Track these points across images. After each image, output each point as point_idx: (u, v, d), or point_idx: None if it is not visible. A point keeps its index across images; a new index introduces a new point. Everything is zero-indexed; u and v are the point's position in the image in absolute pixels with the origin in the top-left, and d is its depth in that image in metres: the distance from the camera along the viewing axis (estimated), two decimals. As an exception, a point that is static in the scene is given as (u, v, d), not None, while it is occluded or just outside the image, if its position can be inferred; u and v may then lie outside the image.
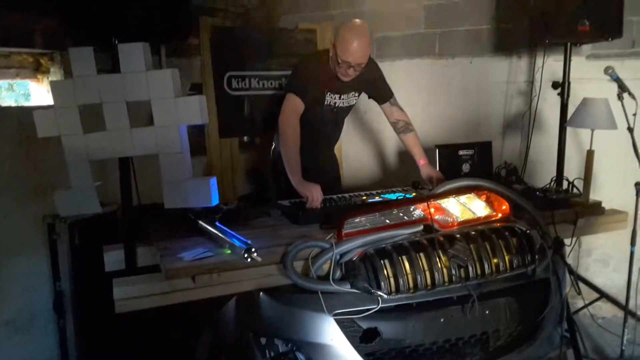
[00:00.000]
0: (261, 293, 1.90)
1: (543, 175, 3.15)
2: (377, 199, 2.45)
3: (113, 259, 2.20)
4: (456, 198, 2.11)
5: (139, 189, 2.47)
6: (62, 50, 2.86)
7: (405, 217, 1.99)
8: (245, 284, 1.89)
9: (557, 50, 3.14)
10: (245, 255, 1.77)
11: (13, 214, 2.66)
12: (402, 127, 2.75)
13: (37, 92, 3.04)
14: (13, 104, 3.28)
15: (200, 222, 2.08)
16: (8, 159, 2.60)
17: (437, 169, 2.66)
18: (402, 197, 2.45)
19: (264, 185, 3.63)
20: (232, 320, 2.01)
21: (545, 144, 3.36)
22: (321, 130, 2.72)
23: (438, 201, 2.06)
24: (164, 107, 1.89)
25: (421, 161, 2.71)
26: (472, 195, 2.14)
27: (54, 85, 1.93)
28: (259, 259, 1.78)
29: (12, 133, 2.60)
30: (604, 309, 3.31)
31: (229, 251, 1.88)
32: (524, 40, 3.40)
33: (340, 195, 2.54)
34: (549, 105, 3.34)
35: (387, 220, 1.95)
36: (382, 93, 2.73)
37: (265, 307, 1.90)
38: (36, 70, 2.96)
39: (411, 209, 2.02)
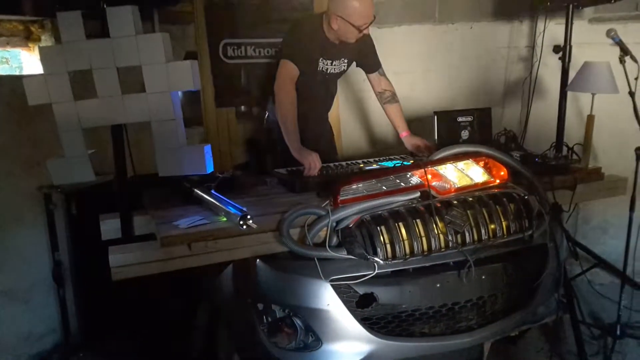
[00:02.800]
0: (257, 260, 1.91)
1: (543, 141, 3.10)
2: (374, 166, 2.43)
3: (109, 227, 2.19)
4: (454, 164, 2.08)
5: (134, 159, 2.45)
6: (52, 18, 2.80)
7: (402, 184, 1.97)
8: (241, 251, 1.88)
9: (559, 15, 3.07)
10: (241, 223, 1.76)
11: (8, 185, 2.64)
12: (388, 98, 2.76)
13: (30, 62, 2.99)
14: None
15: (196, 190, 2.06)
16: (1, 129, 2.57)
17: (436, 135, 2.63)
18: (399, 164, 2.43)
19: (261, 155, 3.62)
20: (229, 288, 2.02)
21: (545, 110, 3.31)
22: (314, 96, 2.69)
23: (435, 167, 2.04)
24: (155, 73, 1.85)
25: (404, 133, 2.73)
26: (469, 162, 2.11)
27: (42, 52, 1.89)
28: (255, 226, 1.76)
29: (4, 103, 2.56)
30: (602, 276, 3.32)
31: (224, 219, 1.87)
32: (526, 3, 3.33)
33: (337, 163, 2.53)
34: (549, 70, 3.28)
35: (384, 187, 1.94)
36: (371, 63, 2.74)
37: (262, 274, 1.90)
38: (27, 38, 2.90)
39: (408, 176, 1.99)
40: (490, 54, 3.59)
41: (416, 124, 2.83)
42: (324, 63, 2.60)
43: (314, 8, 3.72)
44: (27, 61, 2.99)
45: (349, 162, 2.55)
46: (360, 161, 2.56)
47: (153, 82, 1.86)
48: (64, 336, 2.90)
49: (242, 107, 3.97)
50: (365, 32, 2.45)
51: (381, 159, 2.59)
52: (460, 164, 2.10)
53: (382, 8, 3.75)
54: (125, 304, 2.72)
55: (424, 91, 3.69)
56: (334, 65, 2.65)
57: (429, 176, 2.01)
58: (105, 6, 1.83)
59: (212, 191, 2.07)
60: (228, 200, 1.95)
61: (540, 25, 3.21)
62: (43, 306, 2.85)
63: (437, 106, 3.11)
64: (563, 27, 2.91)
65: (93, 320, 2.97)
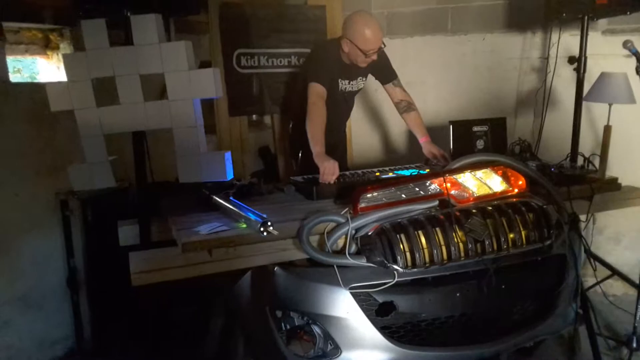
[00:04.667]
0: (276, 267, 1.91)
1: (556, 152, 3.10)
2: (390, 174, 2.43)
3: (127, 234, 2.20)
4: (472, 173, 2.09)
5: (152, 167, 2.47)
6: (72, 26, 2.83)
7: (421, 192, 1.97)
8: (260, 258, 1.89)
9: (572, 26, 3.09)
10: (262, 229, 1.76)
11: (25, 191, 2.65)
12: (405, 107, 2.85)
13: (46, 69, 3.02)
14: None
15: (215, 197, 2.07)
16: (19, 136, 2.59)
17: (451, 145, 2.63)
18: (415, 173, 2.43)
19: (274, 164, 3.65)
20: (247, 295, 2.02)
21: (558, 121, 3.31)
22: (334, 112, 2.79)
23: (454, 176, 2.04)
24: (177, 80, 1.87)
25: (423, 138, 2.80)
26: (488, 171, 2.12)
27: (66, 58, 1.91)
28: (276, 232, 1.77)
29: (23, 110, 2.58)
30: (615, 287, 3.30)
31: (244, 225, 1.87)
32: (539, 15, 3.34)
33: (353, 172, 2.54)
34: (562, 81, 3.29)
35: (403, 195, 1.94)
36: (386, 74, 2.85)
37: (281, 281, 1.90)
38: (46, 46, 2.93)
39: (427, 184, 2.00)
40: (503, 65, 3.60)
41: (429, 132, 2.84)
42: (342, 83, 2.76)
43: (326, 18, 3.76)
44: (44, 69, 3.02)
45: (364, 170, 2.56)
46: (376, 170, 2.57)
47: (176, 89, 1.88)
48: (77, 343, 2.90)
49: (254, 116, 4.00)
50: (373, 57, 2.58)
51: (397, 167, 2.60)
52: (479, 173, 2.10)
53: (395, 19, 3.78)
54: (139, 311, 2.72)
55: (437, 101, 3.70)
56: (351, 84, 2.81)
57: (448, 184, 2.01)
58: (129, 14, 1.85)
59: (231, 198, 2.08)
60: (247, 207, 1.95)
61: (554, 36, 3.21)
62: (57, 312, 2.85)
63: (450, 116, 3.11)
64: (576, 38, 2.92)
65: (106, 327, 2.96)
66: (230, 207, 1.97)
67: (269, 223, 1.77)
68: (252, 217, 1.84)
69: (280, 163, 3.57)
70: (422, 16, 3.76)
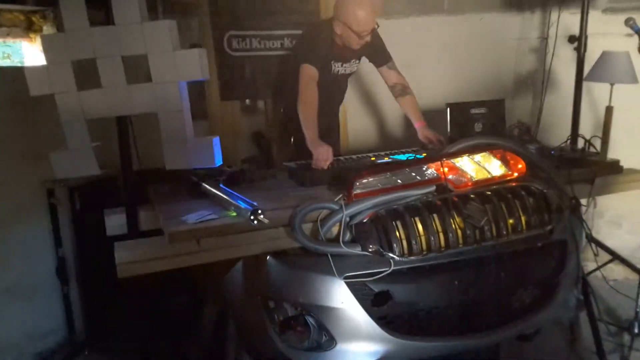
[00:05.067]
0: (268, 257, 1.84)
1: (556, 134, 3.04)
2: (386, 159, 2.36)
3: (115, 223, 2.12)
4: (470, 157, 2.01)
5: (140, 154, 2.39)
6: (54, 7, 2.72)
7: (417, 177, 1.90)
8: (252, 248, 1.82)
9: (572, 5, 3.00)
10: (252, 218, 1.69)
11: (10, 179, 2.57)
12: (400, 90, 2.74)
13: (31, 53, 2.92)
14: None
15: (204, 184, 2.00)
16: (2, 122, 2.50)
17: (448, 128, 2.56)
18: (412, 157, 2.36)
19: (267, 149, 3.57)
20: (239, 285, 1.96)
21: (558, 102, 3.24)
22: (327, 94, 2.69)
23: (452, 160, 1.97)
24: (162, 62, 1.78)
25: (418, 123, 2.69)
26: (487, 154, 2.04)
27: (45, 40, 1.82)
28: (266, 221, 1.69)
29: (5, 95, 2.49)
30: (616, 272, 3.25)
31: (234, 214, 1.80)
32: (537, -6, 3.26)
33: (347, 157, 2.47)
34: (562, 62, 3.21)
35: (399, 180, 1.87)
36: (380, 56, 2.73)
37: (273, 271, 1.84)
38: (28, 29, 2.83)
39: (424, 169, 1.93)
40: (501, 46, 3.51)
41: (425, 116, 2.76)
42: (335, 66, 2.65)
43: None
44: (28, 53, 2.92)
45: (359, 155, 2.49)
46: (371, 154, 2.50)
47: (160, 71, 1.79)
48: (69, 335, 2.84)
49: (247, 101, 3.90)
50: (366, 39, 2.48)
51: (393, 152, 2.52)
52: (477, 157, 2.03)
53: (389, -1, 3.68)
54: (131, 301, 2.66)
55: (433, 83, 3.60)
56: (345, 67, 2.70)
57: (446, 169, 1.94)
58: (109, -8, 1.76)
59: (221, 185, 2.00)
60: (238, 195, 1.88)
61: (553, 15, 3.12)
62: (47, 304, 2.79)
63: (446, 99, 3.04)
64: (576, 17, 2.83)
65: (98, 319, 2.91)
66: (220, 194, 1.90)
67: (260, 211, 1.70)
68: (242, 205, 1.76)
69: (274, 148, 3.50)
70: (418, -4, 3.65)
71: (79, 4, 1.73)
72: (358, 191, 1.81)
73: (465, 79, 3.61)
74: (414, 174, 1.90)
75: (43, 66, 1.83)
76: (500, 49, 3.53)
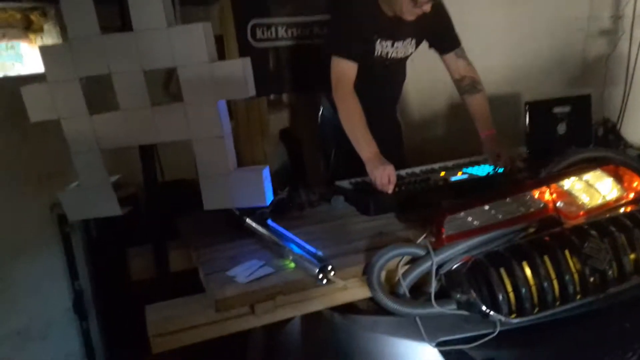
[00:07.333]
0: (336, 315, 1.47)
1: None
2: (460, 175, 1.96)
3: (140, 266, 1.78)
4: (579, 176, 1.61)
5: (162, 162, 2.02)
6: (56, 3, 2.32)
7: (521, 208, 1.50)
8: (313, 303, 1.46)
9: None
10: (320, 277, 1.31)
11: (16, 205, 2.23)
12: (468, 86, 2.19)
13: (30, 56, 2.53)
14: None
15: (249, 221, 1.62)
16: (3, 142, 2.14)
17: (528, 130, 2.15)
18: (491, 171, 1.97)
19: (298, 151, 3.19)
20: (296, 346, 1.59)
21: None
22: (374, 89, 2.14)
23: (560, 182, 1.57)
24: (195, 77, 1.38)
25: (485, 132, 2.14)
26: (598, 172, 1.64)
27: (44, 52, 1.42)
28: (339, 282, 1.32)
29: (3, 109, 2.12)
30: None
31: (292, 265, 1.43)
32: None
33: (409, 171, 2.07)
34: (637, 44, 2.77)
35: (499, 215, 1.47)
36: (447, 40, 2.17)
37: (343, 333, 1.47)
38: (27, 28, 2.44)
39: (527, 197, 1.53)
40: (566, 26, 3.06)
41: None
42: (382, 46, 2.08)
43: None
44: (28, 57, 2.53)
45: (422, 168, 2.10)
46: (436, 166, 2.11)
47: (193, 88, 1.39)
48: (89, 372, 2.53)
49: (272, 96, 3.52)
50: (425, 8, 1.89)
51: (462, 162, 2.13)
52: (587, 176, 1.63)
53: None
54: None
55: (484, 71, 3.15)
56: (396, 47, 2.11)
57: (554, 195, 1.54)
58: (124, -12, 1.36)
59: (269, 221, 1.63)
60: (293, 237, 1.50)
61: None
62: (64, 341, 2.48)
63: (499, 90, 2.61)
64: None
65: (120, 353, 2.59)
66: (272, 237, 1.52)
67: (330, 267, 1.32)
68: (305, 255, 1.39)
69: (305, 151, 3.12)
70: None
71: (87, 5, 1.33)
72: (451, 232, 1.42)
73: (522, 64, 3.16)
74: (516, 205, 1.51)
75: (44, 84, 1.44)
76: (564, 30, 3.08)
